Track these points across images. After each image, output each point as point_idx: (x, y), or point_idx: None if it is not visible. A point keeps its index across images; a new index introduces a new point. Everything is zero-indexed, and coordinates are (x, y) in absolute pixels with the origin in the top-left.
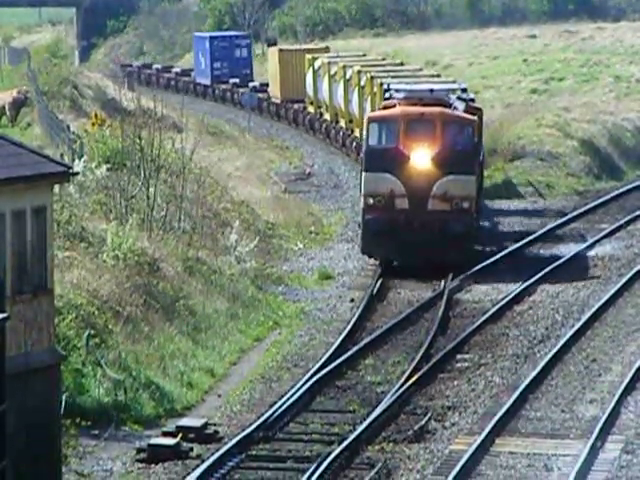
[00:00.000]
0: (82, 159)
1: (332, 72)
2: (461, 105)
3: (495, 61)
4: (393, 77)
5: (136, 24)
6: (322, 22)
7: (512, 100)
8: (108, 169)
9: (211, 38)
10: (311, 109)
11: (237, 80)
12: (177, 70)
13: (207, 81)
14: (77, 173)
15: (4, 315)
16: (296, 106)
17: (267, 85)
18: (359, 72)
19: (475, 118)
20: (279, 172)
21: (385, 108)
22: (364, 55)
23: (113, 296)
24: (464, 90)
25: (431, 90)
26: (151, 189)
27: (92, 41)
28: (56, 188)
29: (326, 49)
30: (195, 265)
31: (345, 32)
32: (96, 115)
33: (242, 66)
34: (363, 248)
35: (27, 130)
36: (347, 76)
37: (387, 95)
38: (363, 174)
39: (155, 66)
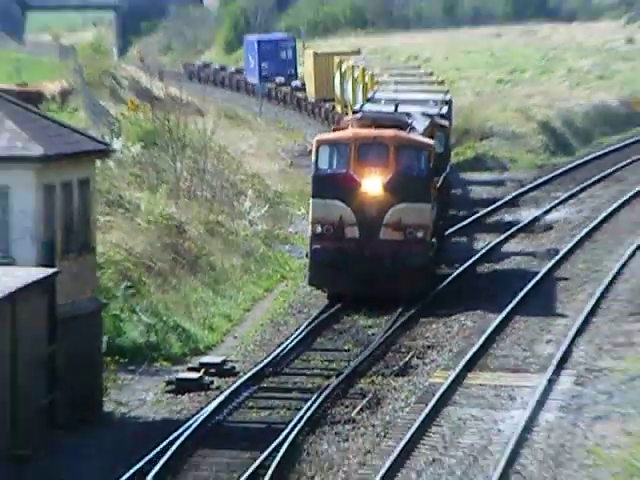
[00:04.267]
0: (119, 138)
1: (355, 75)
2: (423, 123)
3: (467, 56)
4: (397, 82)
5: (165, 25)
6: (321, 23)
7: (481, 89)
8: (142, 147)
9: (259, 41)
10: (339, 109)
11: (282, 79)
12: (232, 69)
13: (255, 80)
14: (115, 150)
15: (55, 270)
16: (327, 105)
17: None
18: (372, 76)
19: (431, 142)
20: (285, 149)
21: (337, 130)
22: (389, 57)
23: (146, 253)
24: (447, 102)
25: (397, 105)
26: (178, 164)
27: (128, 39)
28: (98, 163)
29: (357, 52)
30: (215, 227)
31: (341, 31)
32: (131, 101)
33: (287, 66)
34: (310, 280)
35: (74, 114)
36: (365, 79)
37: (357, 107)
38: (311, 200)
39: (213, 66)
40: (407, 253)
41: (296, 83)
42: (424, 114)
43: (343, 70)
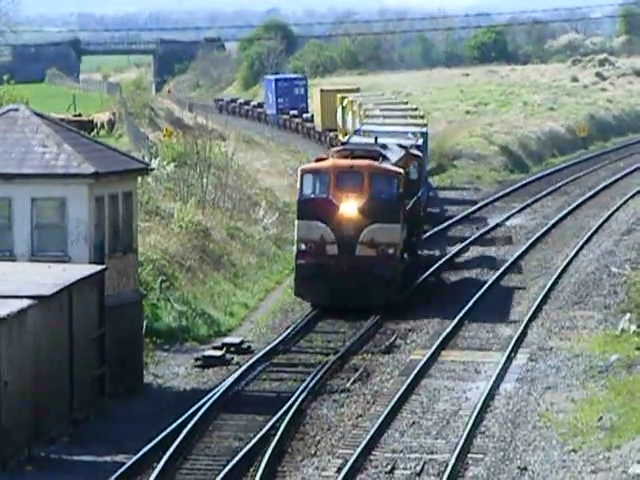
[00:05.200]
0: (157, 159)
1: (354, 108)
2: (398, 154)
3: (441, 91)
4: (385, 116)
5: (194, 66)
6: (322, 64)
7: (452, 118)
8: (175, 166)
9: (276, 80)
10: (341, 137)
11: (295, 112)
12: (254, 103)
13: (273, 112)
14: (153, 169)
15: (104, 267)
16: (332, 134)
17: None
18: (365, 110)
19: (401, 171)
20: (292, 168)
21: (318, 160)
22: (382, 94)
23: (178, 253)
24: (424, 134)
25: (376, 137)
26: (204, 179)
27: (164, 78)
28: (139, 179)
29: (357, 89)
30: (235, 232)
31: (338, 71)
32: (166, 129)
33: (299, 101)
34: (296, 290)
35: (119, 139)
36: (361, 113)
37: (345, 139)
38: (296, 222)
39: (239, 100)
40: (380, 267)
41: (307, 115)
42: (400, 146)
43: (344, 105)
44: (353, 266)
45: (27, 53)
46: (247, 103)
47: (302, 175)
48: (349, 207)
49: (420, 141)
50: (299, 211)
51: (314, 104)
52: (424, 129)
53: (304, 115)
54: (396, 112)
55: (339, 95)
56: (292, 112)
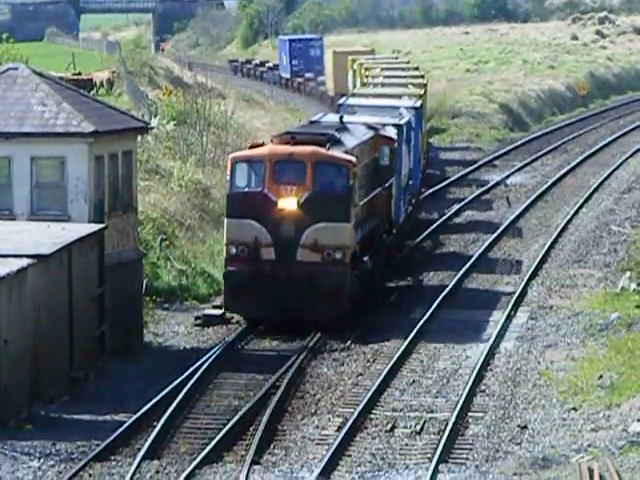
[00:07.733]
0: (156, 117)
1: (362, 72)
2: (359, 137)
3: (441, 50)
4: (384, 85)
5: (193, 24)
6: (322, 23)
7: (452, 76)
8: (174, 124)
9: (290, 40)
10: None
11: (311, 74)
12: (270, 65)
13: (287, 75)
14: (153, 127)
15: (103, 225)
16: (343, 99)
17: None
18: (369, 75)
19: (352, 159)
20: (292, 126)
21: (253, 147)
22: (396, 58)
23: (178, 212)
24: (416, 108)
25: (341, 117)
26: (204, 138)
27: (163, 36)
28: (139, 138)
29: (372, 51)
30: None
31: (338, 30)
32: (166, 87)
33: (315, 63)
34: (226, 305)
35: (119, 98)
36: (366, 77)
37: (316, 117)
38: (225, 220)
39: (254, 62)
40: (325, 275)
41: (322, 78)
42: (369, 126)
43: (355, 68)
44: (293, 274)
45: (26, 12)
46: (262, 64)
47: (233, 164)
48: (288, 203)
49: (405, 119)
50: (229, 208)
51: (327, 67)
52: (418, 103)
53: (319, 78)
54: (398, 80)
55: (350, 58)
56: (307, 75)
